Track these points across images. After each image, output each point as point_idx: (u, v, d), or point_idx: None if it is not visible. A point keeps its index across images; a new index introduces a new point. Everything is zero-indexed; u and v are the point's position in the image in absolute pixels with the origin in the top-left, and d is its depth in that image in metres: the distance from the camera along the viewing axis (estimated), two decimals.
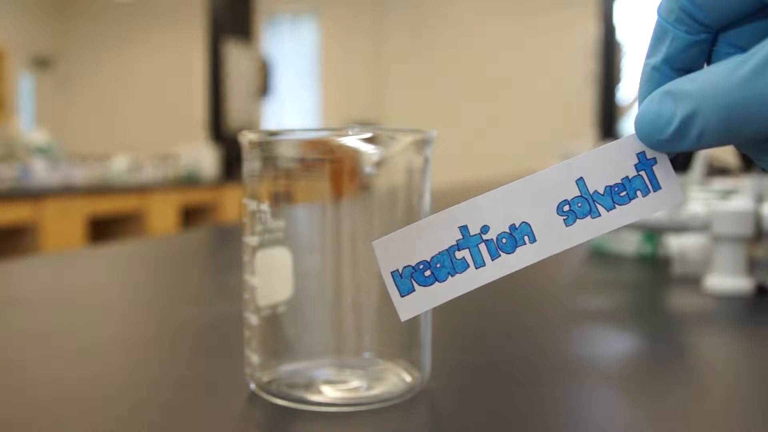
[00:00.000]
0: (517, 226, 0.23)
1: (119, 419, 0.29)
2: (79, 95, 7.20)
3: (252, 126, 4.67)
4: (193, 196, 4.06)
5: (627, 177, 0.23)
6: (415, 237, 0.23)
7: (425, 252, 0.23)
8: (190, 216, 4.13)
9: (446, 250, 0.23)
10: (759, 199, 0.64)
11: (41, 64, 6.89)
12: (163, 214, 3.75)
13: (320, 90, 6.66)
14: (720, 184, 0.92)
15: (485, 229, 0.23)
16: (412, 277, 0.23)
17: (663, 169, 0.23)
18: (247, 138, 0.32)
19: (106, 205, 3.40)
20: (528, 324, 0.48)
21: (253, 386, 0.32)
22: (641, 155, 0.23)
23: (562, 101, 5.42)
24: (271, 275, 0.32)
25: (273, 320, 0.32)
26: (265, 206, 0.31)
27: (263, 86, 5.02)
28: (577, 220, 0.23)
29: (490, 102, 5.50)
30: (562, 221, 0.23)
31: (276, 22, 6.65)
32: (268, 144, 0.31)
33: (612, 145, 0.23)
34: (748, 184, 0.67)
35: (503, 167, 4.85)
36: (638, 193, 0.23)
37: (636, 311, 0.53)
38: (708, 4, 0.22)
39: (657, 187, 0.23)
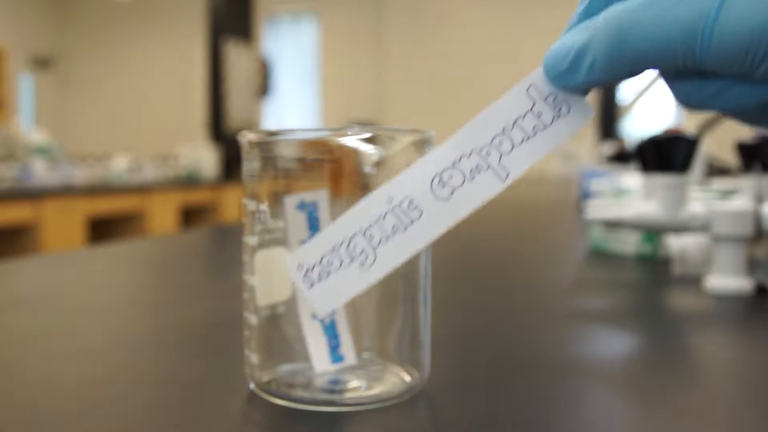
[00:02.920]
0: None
1: (119, 419, 0.29)
2: (79, 95, 7.20)
3: (252, 126, 4.67)
4: (193, 196, 4.06)
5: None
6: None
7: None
8: (190, 216, 4.14)
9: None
10: (759, 199, 0.64)
11: (41, 64, 6.89)
12: (163, 214, 3.75)
13: (320, 90, 6.66)
14: (720, 184, 0.92)
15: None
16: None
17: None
18: (246, 138, 0.32)
19: (106, 205, 3.41)
20: (528, 324, 0.48)
21: (252, 386, 0.32)
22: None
23: None
24: (271, 275, 0.32)
25: (272, 320, 0.32)
26: (264, 206, 0.31)
27: (263, 86, 5.02)
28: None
29: (491, 102, 5.50)
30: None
31: (276, 22, 6.65)
32: (267, 144, 0.31)
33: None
34: (748, 184, 0.67)
35: None
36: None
37: (636, 311, 0.53)
38: None
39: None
